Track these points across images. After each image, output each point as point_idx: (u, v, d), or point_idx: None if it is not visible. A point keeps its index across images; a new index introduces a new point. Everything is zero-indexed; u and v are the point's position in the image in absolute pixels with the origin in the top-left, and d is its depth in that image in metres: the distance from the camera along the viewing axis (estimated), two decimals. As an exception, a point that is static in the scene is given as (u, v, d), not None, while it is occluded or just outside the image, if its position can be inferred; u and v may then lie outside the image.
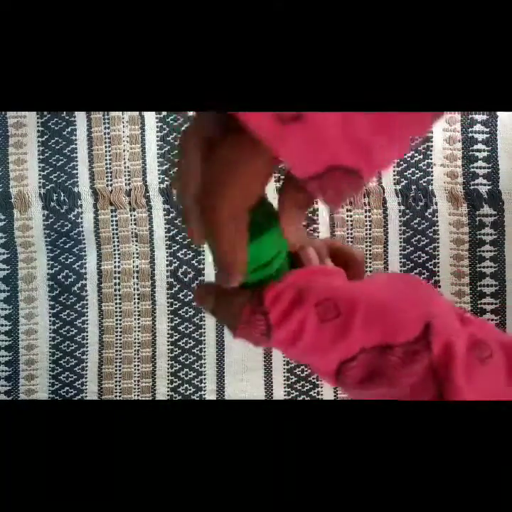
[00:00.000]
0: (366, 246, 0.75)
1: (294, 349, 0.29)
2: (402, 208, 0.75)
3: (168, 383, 0.77)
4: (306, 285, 0.29)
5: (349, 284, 0.30)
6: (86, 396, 0.77)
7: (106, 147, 0.76)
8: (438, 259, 0.75)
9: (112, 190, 0.76)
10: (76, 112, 0.78)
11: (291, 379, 0.76)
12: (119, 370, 0.77)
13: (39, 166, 0.77)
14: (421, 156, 0.75)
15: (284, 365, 0.76)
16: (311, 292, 0.28)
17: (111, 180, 0.76)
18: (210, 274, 0.76)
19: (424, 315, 0.27)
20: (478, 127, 0.74)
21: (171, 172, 0.76)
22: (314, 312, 0.28)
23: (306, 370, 0.76)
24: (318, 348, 0.28)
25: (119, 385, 0.77)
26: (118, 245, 0.77)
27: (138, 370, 0.77)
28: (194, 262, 0.76)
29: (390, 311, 0.28)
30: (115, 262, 0.77)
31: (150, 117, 0.76)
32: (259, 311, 0.28)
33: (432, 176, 0.75)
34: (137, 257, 0.76)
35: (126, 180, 0.76)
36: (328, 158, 0.23)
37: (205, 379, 0.77)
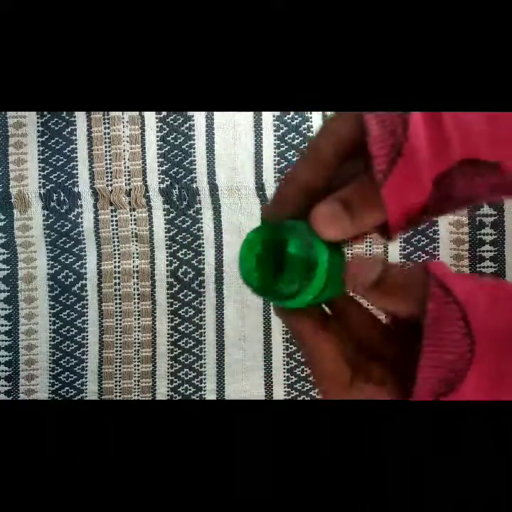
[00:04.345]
0: (366, 246, 0.75)
1: (506, 358, 0.21)
2: (402, 208, 0.75)
3: (168, 383, 0.77)
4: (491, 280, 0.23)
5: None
6: (86, 396, 0.77)
7: (106, 147, 0.76)
8: (438, 259, 0.75)
9: (112, 190, 0.76)
10: (76, 112, 0.78)
11: (291, 379, 0.76)
12: (119, 370, 0.77)
13: (39, 166, 0.77)
14: (421, 156, 0.75)
15: (284, 365, 0.76)
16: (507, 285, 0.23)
17: (111, 180, 0.76)
18: (210, 274, 0.76)
19: None
20: (478, 127, 0.74)
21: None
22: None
23: (306, 370, 0.76)
24: None
25: (119, 385, 0.77)
26: (118, 245, 0.77)
27: (138, 370, 0.77)
28: (194, 262, 0.76)
29: None
30: (115, 262, 0.77)
31: (150, 117, 0.76)
32: (451, 300, 0.21)
33: (432, 176, 0.75)
34: (137, 257, 0.76)
35: (126, 180, 0.76)
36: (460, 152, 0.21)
37: (205, 379, 0.77)
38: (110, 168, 0.76)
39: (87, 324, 0.77)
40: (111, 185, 0.76)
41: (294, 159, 0.75)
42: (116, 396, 0.77)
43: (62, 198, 0.77)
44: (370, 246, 0.75)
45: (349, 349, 0.25)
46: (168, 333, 0.77)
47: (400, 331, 0.25)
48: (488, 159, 0.21)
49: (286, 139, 0.75)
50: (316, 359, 0.24)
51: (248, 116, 0.76)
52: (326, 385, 0.24)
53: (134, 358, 0.77)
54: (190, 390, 0.77)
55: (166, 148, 0.76)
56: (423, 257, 0.75)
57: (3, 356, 0.78)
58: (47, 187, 0.77)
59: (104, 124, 0.76)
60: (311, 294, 0.23)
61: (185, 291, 0.76)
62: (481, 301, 0.21)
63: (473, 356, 0.21)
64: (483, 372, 0.21)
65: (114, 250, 0.77)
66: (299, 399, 0.77)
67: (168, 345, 0.77)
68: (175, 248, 0.76)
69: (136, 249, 0.76)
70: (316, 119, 0.75)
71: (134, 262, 0.76)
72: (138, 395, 0.77)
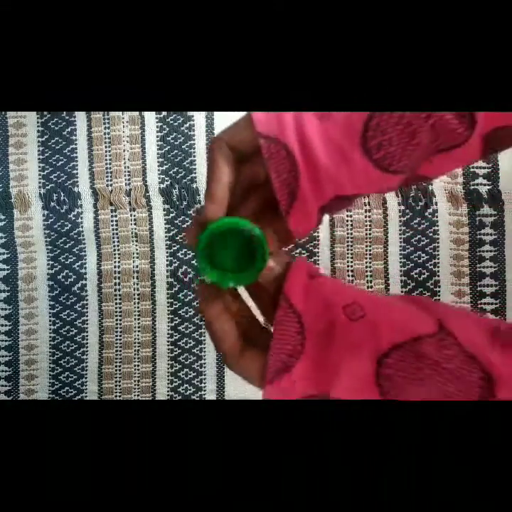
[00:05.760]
0: (366, 246, 0.75)
1: (325, 352, 0.31)
2: (402, 208, 0.75)
3: (168, 383, 0.77)
4: (332, 289, 0.32)
5: (365, 292, 0.34)
6: (86, 396, 0.77)
7: (106, 147, 0.76)
8: (438, 259, 0.75)
9: (112, 190, 0.76)
10: (76, 112, 0.78)
11: (291, 379, 0.76)
12: (119, 370, 0.77)
13: (39, 166, 0.77)
14: (421, 156, 0.75)
15: (284, 365, 0.76)
16: (338, 296, 0.32)
17: (111, 180, 0.76)
18: (210, 274, 0.76)
19: (436, 316, 0.31)
20: (478, 127, 0.74)
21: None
22: (342, 313, 0.31)
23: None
24: (351, 347, 0.31)
25: (119, 385, 0.77)
26: (118, 245, 0.77)
27: (138, 370, 0.77)
28: (194, 262, 0.76)
29: (409, 311, 0.32)
30: (115, 262, 0.77)
31: (150, 117, 0.76)
32: (291, 311, 0.31)
33: (432, 175, 0.75)
34: (137, 257, 0.76)
35: (126, 180, 0.76)
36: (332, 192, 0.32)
37: (205, 379, 0.77)
38: (110, 168, 0.76)
39: (87, 324, 0.77)
40: (111, 185, 0.76)
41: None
42: (116, 396, 0.77)
43: (62, 198, 0.77)
44: (370, 245, 0.75)
45: (246, 323, 0.35)
46: (168, 333, 0.77)
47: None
48: (353, 193, 0.32)
49: (286, 139, 0.75)
50: (218, 338, 0.34)
51: (248, 116, 0.76)
52: (224, 356, 0.34)
53: (134, 358, 0.77)
54: (190, 390, 0.77)
55: (166, 148, 0.76)
56: (423, 256, 0.75)
57: (3, 356, 0.78)
58: (47, 187, 0.77)
59: (104, 124, 0.77)
60: (260, 268, 0.32)
61: (185, 291, 0.76)
62: (312, 308, 0.31)
63: (303, 348, 0.31)
64: (310, 359, 0.31)
65: (114, 250, 0.77)
66: (299, 399, 0.76)
67: (168, 345, 0.77)
68: (175, 248, 0.76)
69: (136, 249, 0.76)
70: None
71: (134, 262, 0.76)
72: (138, 395, 0.77)
